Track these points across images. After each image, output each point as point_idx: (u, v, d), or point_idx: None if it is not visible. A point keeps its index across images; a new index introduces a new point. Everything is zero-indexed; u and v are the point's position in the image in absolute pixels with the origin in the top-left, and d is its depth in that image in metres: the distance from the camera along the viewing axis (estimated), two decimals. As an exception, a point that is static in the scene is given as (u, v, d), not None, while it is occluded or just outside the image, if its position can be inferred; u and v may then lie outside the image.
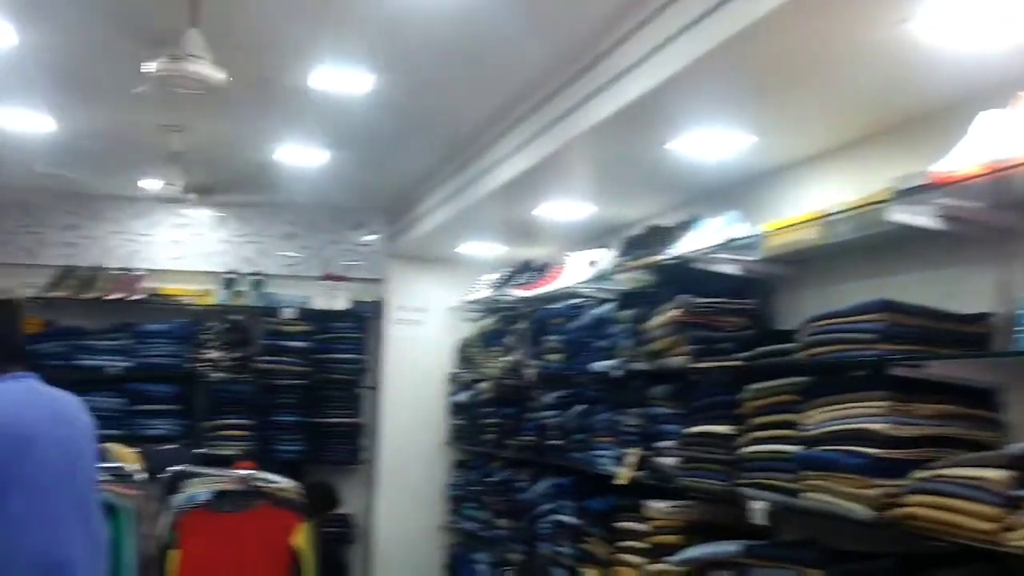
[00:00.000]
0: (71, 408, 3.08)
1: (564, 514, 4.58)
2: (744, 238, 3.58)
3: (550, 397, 5.00)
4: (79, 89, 4.47)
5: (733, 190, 4.12)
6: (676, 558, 3.41)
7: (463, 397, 6.55)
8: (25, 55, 3.88)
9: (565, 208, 5.05)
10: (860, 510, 2.56)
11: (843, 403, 2.74)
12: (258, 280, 6.84)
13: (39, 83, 4.32)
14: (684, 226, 4.11)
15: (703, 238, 3.82)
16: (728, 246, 3.64)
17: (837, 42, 2.66)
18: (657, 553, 3.67)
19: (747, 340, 3.42)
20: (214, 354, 6.59)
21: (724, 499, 3.35)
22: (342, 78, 4.07)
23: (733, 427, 3.29)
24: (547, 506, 4.83)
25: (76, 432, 3.05)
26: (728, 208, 3.89)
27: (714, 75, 3.00)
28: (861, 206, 2.86)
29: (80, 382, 6.27)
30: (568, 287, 4.90)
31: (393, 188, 6.36)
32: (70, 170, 5.75)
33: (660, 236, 4.26)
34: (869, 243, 3.08)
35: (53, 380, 6.42)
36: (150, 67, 3.26)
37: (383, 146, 5.25)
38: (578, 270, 4.90)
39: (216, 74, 3.23)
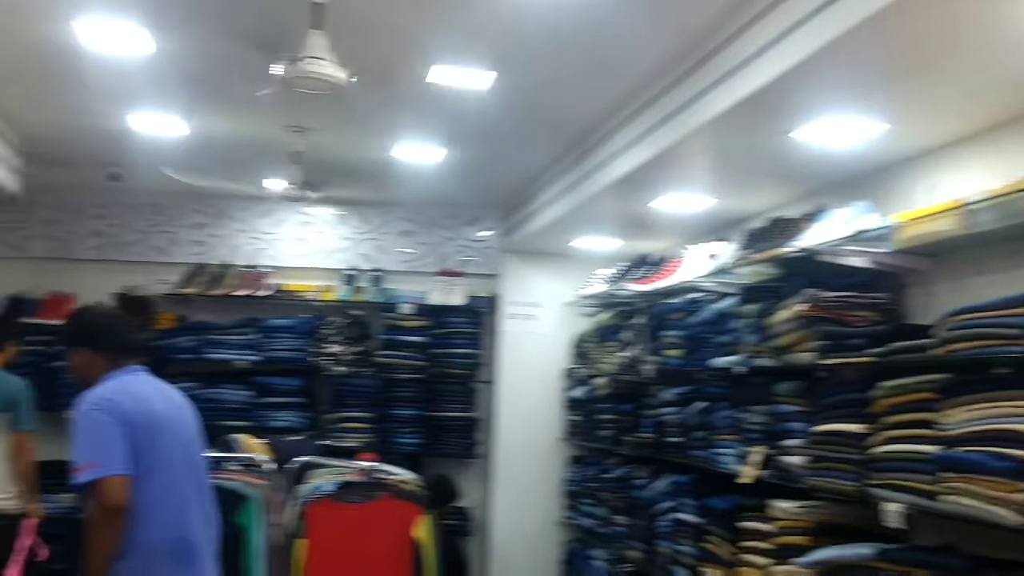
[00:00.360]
0: (180, 399, 3.37)
1: (685, 512, 4.51)
2: (875, 229, 3.43)
3: (669, 393, 4.92)
4: (209, 93, 4.64)
5: (862, 179, 3.96)
6: (804, 560, 3.30)
7: (579, 393, 6.53)
8: (161, 62, 4.05)
9: (683, 201, 4.96)
10: (1008, 515, 2.43)
11: (987, 402, 2.61)
12: (377, 276, 6.98)
13: (172, 88, 4.50)
14: (809, 218, 3.98)
15: (830, 230, 3.69)
16: (857, 238, 3.50)
17: (975, 23, 2.52)
18: (783, 554, 3.57)
19: (878, 336, 3.29)
20: (335, 348, 6.76)
21: (855, 500, 3.23)
22: (462, 75, 4.10)
23: (864, 426, 3.17)
24: (666, 504, 4.76)
25: (189, 420, 3.33)
26: (856, 198, 3.75)
27: (843, 61, 2.89)
28: (1006, 194, 2.70)
29: (210, 375, 6.62)
30: (687, 281, 4.82)
31: (508, 183, 6.38)
32: (195, 177, 5.98)
33: (783, 228, 4.14)
34: (1013, 233, 2.90)
35: (185, 373, 6.78)
36: (276, 70, 3.36)
37: (499, 142, 5.28)
38: (697, 264, 4.81)
39: (339, 74, 3.30)
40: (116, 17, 3.61)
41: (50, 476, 5.12)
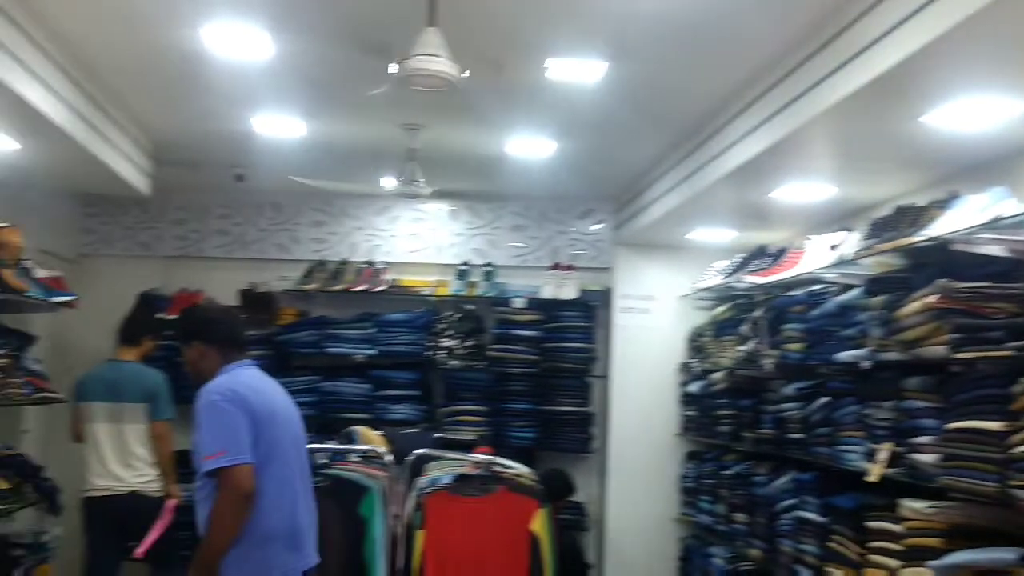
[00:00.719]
0: (283, 391, 3.48)
1: (807, 511, 4.37)
2: (1013, 216, 3.24)
3: (790, 388, 4.78)
4: (327, 94, 4.75)
5: (998, 164, 3.76)
6: (938, 563, 3.15)
7: (695, 388, 6.42)
8: (280, 65, 4.17)
9: (804, 190, 4.81)
10: None
11: None
12: (489, 271, 7.02)
13: (292, 90, 4.63)
14: (940, 205, 3.78)
15: (964, 217, 3.49)
16: (994, 225, 3.30)
17: None
18: (914, 556, 3.41)
19: (1018, 328, 3.10)
20: (449, 342, 6.83)
21: (994, 501, 3.06)
22: (575, 67, 4.08)
23: (1006, 423, 2.99)
24: (788, 502, 4.63)
25: (296, 414, 3.46)
26: (993, 184, 3.55)
27: (981, 37, 2.73)
28: None
29: (330, 368, 6.79)
30: (808, 273, 4.66)
31: (621, 175, 6.32)
32: (316, 180, 6.14)
33: (911, 216, 3.95)
34: None
35: (306, 367, 6.96)
36: (392, 68, 3.40)
37: (612, 133, 5.23)
38: (819, 255, 4.65)
39: (453, 71, 3.32)
40: (240, 21, 3.73)
41: (186, 464, 5.35)
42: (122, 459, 5.12)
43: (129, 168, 5.45)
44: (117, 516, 5.08)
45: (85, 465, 5.18)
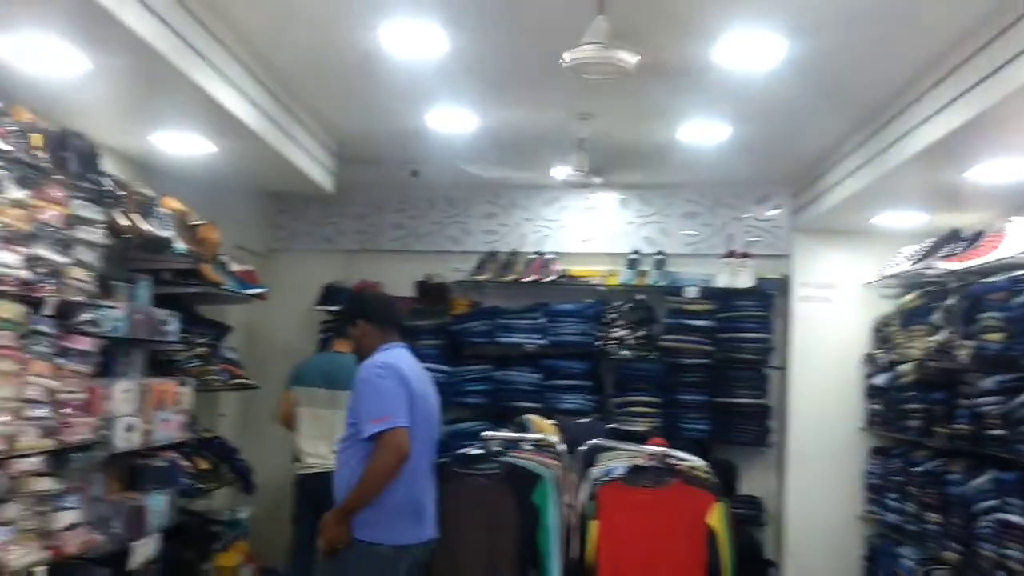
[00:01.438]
0: (426, 375, 3.82)
1: (1012, 513, 4.06)
2: None
3: (990, 382, 4.45)
4: (498, 87, 4.80)
5: None
6: None
7: (881, 380, 6.10)
8: (454, 60, 4.25)
9: (1004, 169, 4.46)
10: None
11: None
12: (660, 260, 6.92)
13: (465, 85, 4.71)
14: None
15: None
16: None
17: None
18: None
19: None
20: (620, 332, 6.78)
21: None
22: (750, 50, 3.94)
23: None
24: (988, 503, 4.32)
25: (430, 396, 3.77)
26: None
27: None
28: None
29: (502, 357, 6.89)
30: (1010, 257, 4.33)
31: (799, 159, 6.08)
32: (486, 169, 6.24)
33: None
34: None
35: (479, 356, 7.06)
36: (565, 57, 3.39)
37: (790, 116, 5.03)
38: (1022, 238, 4.31)
39: (629, 58, 3.28)
40: (417, 19, 3.82)
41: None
42: (333, 442, 5.40)
43: (315, 167, 5.71)
44: (328, 493, 5.34)
45: (298, 446, 5.47)
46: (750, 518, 6.45)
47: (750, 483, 6.67)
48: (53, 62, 3.48)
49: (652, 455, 4.21)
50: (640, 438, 4.72)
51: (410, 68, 4.40)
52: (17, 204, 3.23)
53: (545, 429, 4.66)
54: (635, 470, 4.15)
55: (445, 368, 6.86)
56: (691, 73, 4.33)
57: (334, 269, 7.26)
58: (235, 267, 5.80)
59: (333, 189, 6.28)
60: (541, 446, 4.41)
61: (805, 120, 5.10)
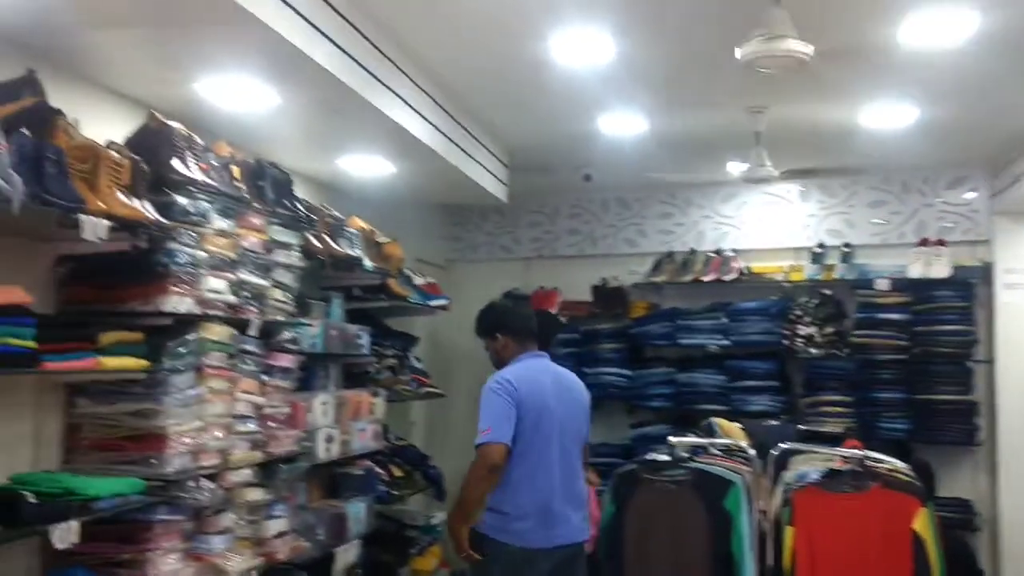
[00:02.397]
0: (568, 383, 3.90)
1: None
2: None
3: None
4: (667, 89, 4.74)
5: None
6: None
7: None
8: (622, 65, 4.23)
9: None
10: None
11: None
12: (847, 252, 6.63)
13: (634, 89, 4.68)
14: None
15: None
16: None
17: None
18: None
19: None
20: (807, 330, 6.53)
21: None
22: (938, 26, 3.71)
23: None
24: None
25: (572, 405, 3.85)
26: None
27: None
28: None
29: (683, 359, 6.79)
30: None
31: (996, 137, 5.66)
32: (660, 170, 6.18)
33: None
34: None
35: (659, 359, 6.97)
36: (739, 52, 3.31)
37: (983, 93, 4.70)
38: None
39: (803, 49, 3.16)
40: (585, 27, 3.83)
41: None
42: None
43: (489, 179, 5.83)
44: None
45: None
46: (960, 522, 6.06)
47: (955, 485, 6.26)
48: (249, 99, 3.72)
49: (849, 458, 4.03)
50: (833, 440, 4.53)
51: (579, 75, 4.41)
52: (222, 233, 3.47)
53: (732, 432, 4.55)
54: (831, 474, 3.98)
55: (626, 372, 6.83)
56: (874, 56, 4.12)
57: (511, 277, 7.38)
58: (418, 280, 6.00)
59: (507, 199, 6.38)
60: (731, 451, 4.31)
61: (1001, 96, 4.74)
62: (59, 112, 2.89)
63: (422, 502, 6.36)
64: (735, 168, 5.93)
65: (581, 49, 4.06)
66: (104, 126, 3.37)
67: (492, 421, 3.58)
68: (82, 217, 2.70)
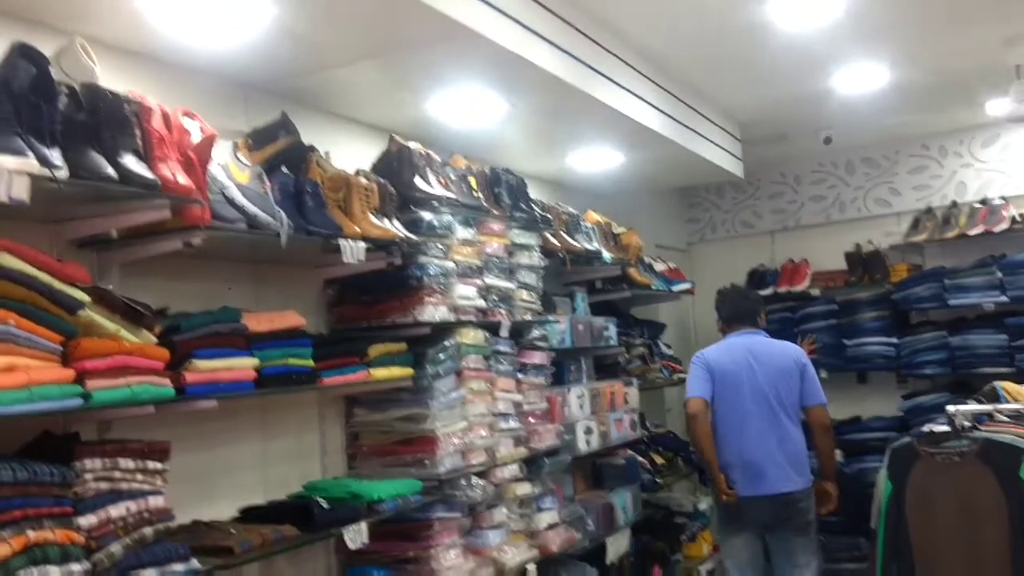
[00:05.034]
0: (767, 353, 4.36)
1: None
2: None
3: None
4: (906, 33, 4.42)
5: None
6: None
7: None
8: (852, 17, 4.00)
9: None
10: None
11: None
12: None
13: (869, 39, 4.40)
14: None
15: None
16: None
17: None
18: None
19: None
20: (1101, 277, 5.84)
21: None
22: None
23: None
24: None
25: (766, 372, 4.29)
26: None
27: None
28: None
29: (954, 321, 6.29)
30: None
31: None
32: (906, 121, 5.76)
33: None
34: None
35: (928, 323, 6.51)
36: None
37: None
38: None
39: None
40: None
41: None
42: None
43: (722, 155, 5.70)
44: None
45: None
46: None
47: None
48: (477, 110, 3.86)
49: None
50: None
51: (804, 36, 4.21)
52: (466, 243, 3.63)
53: (1020, 396, 4.16)
54: None
55: (892, 340, 6.42)
56: None
57: (756, 253, 7.17)
58: (660, 267, 5.96)
59: (742, 174, 6.20)
60: (1021, 416, 3.95)
61: None
62: (312, 148, 3.15)
63: (687, 488, 6.31)
64: (995, 108, 5.41)
65: (805, 9, 3.88)
66: (351, 154, 3.63)
67: (689, 383, 4.35)
68: (342, 242, 2.92)
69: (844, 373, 6.52)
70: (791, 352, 4.42)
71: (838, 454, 5.62)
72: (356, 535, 2.85)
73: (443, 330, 3.47)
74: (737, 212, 7.40)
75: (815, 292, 6.71)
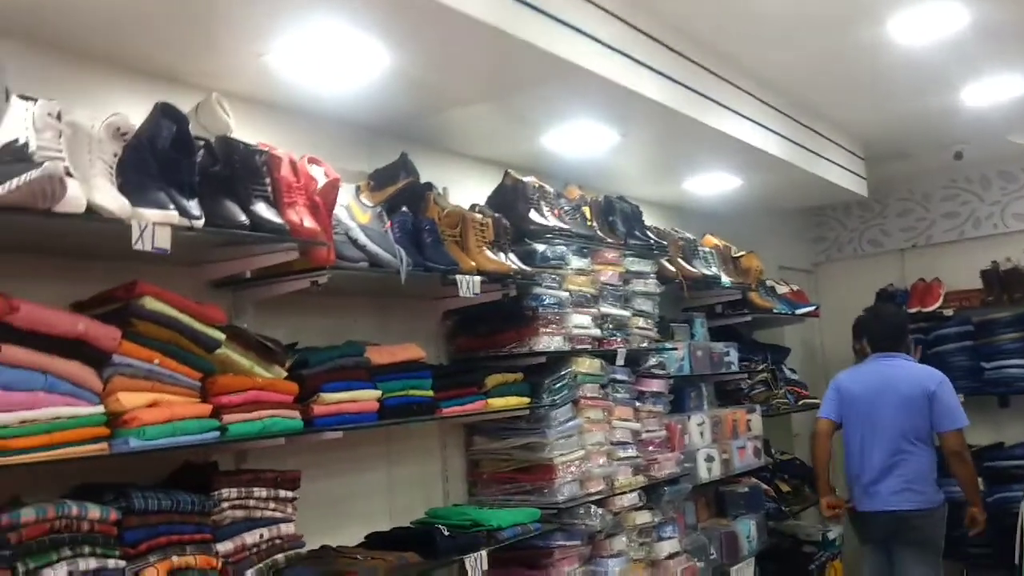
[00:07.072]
0: (898, 380, 4.35)
1: None
2: None
3: None
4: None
5: None
6: None
7: None
8: (976, 30, 3.87)
9: None
10: None
11: None
12: None
13: (998, 49, 4.24)
14: None
15: None
16: None
17: None
18: None
19: None
20: None
21: None
22: None
23: None
24: None
25: (892, 396, 4.31)
26: None
27: None
28: None
29: None
30: None
31: None
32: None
33: None
34: None
35: None
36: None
37: None
38: None
39: None
40: (930, 1, 3.57)
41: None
42: None
43: (844, 175, 5.57)
44: None
45: None
46: None
47: None
48: (591, 142, 3.91)
49: None
50: None
51: (926, 51, 4.10)
52: (581, 272, 3.68)
53: None
54: None
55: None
56: None
57: (884, 272, 6.93)
58: (782, 289, 5.86)
59: (867, 192, 6.03)
60: None
61: None
62: (429, 186, 3.27)
63: (815, 516, 6.13)
64: None
65: (926, 24, 3.78)
66: (468, 188, 3.74)
67: (823, 403, 4.59)
68: (458, 277, 3.02)
69: (983, 396, 6.23)
70: (922, 379, 4.36)
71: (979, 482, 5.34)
72: (476, 563, 2.92)
73: (559, 359, 3.52)
74: (864, 231, 7.18)
75: (948, 312, 6.44)
